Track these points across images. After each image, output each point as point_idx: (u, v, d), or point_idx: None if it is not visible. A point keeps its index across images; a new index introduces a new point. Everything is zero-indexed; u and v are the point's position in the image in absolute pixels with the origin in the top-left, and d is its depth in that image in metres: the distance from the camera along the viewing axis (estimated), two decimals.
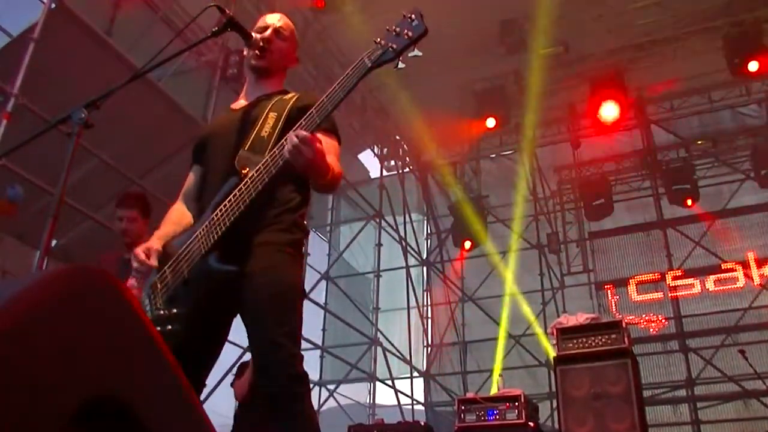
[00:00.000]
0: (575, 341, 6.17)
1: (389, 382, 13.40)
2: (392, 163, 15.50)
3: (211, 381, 9.71)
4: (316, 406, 13.14)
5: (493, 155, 15.41)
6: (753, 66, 10.50)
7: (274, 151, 2.38)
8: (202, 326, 2.43)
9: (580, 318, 6.34)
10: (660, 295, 12.79)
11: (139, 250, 2.50)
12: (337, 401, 13.70)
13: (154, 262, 2.46)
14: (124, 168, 7.44)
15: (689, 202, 12.73)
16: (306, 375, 2.33)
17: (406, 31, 2.35)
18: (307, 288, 11.04)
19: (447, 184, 15.22)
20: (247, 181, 2.36)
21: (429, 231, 16.74)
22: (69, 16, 6.97)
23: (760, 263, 12.29)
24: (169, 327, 2.33)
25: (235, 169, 2.45)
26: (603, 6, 11.24)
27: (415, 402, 13.98)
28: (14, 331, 1.06)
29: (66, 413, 1.09)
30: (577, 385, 5.96)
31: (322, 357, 14.18)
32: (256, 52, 2.85)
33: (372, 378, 13.42)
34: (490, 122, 12.15)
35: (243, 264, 2.37)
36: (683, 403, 12.57)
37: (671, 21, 11.45)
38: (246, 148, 2.53)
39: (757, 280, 12.32)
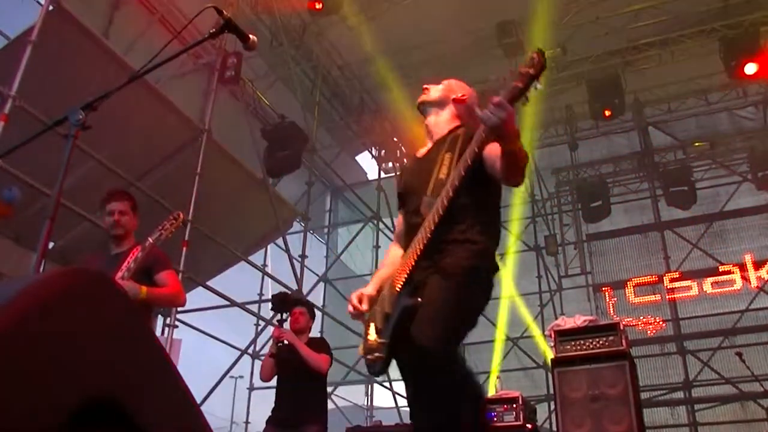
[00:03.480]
0: (573, 343, 6.16)
1: (387, 384, 13.39)
2: (390, 164, 15.49)
3: (207, 384, 9.73)
4: None
5: None
6: (750, 68, 10.51)
7: (446, 186, 2.60)
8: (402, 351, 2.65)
9: (578, 320, 6.33)
10: (657, 297, 12.80)
11: (354, 297, 2.84)
12: (335, 403, 13.67)
13: (365, 308, 2.81)
14: (122, 170, 7.43)
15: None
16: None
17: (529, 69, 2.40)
18: (304, 290, 11.03)
19: None
20: (424, 224, 2.64)
21: None
22: (67, 18, 6.96)
23: (757, 265, 12.30)
24: (376, 354, 2.65)
25: (421, 215, 2.69)
26: (600, 8, 11.25)
27: None
28: (12, 332, 1.06)
29: (65, 413, 1.09)
30: (575, 387, 5.95)
31: None
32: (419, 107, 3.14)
33: (370, 380, 13.41)
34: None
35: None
36: (681, 405, 12.58)
37: (668, 23, 11.45)
38: (429, 194, 2.72)
39: (754, 283, 12.33)
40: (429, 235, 2.61)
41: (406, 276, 2.65)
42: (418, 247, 2.63)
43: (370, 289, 2.85)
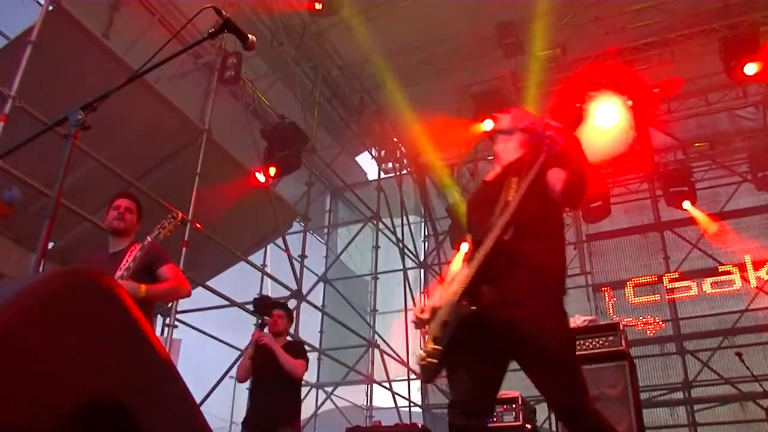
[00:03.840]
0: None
1: (386, 385, 13.38)
2: (390, 165, 15.50)
3: (207, 384, 9.73)
4: (312, 409, 13.14)
5: (491, 157, 15.39)
6: (750, 69, 10.49)
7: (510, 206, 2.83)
8: (463, 358, 2.93)
9: (578, 320, 6.33)
10: (657, 297, 12.81)
11: (417, 308, 3.09)
12: (334, 403, 13.69)
13: (426, 316, 3.02)
14: (122, 170, 7.43)
15: (686, 204, 12.73)
16: None
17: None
18: (304, 290, 11.03)
19: (444, 186, 15.21)
20: (486, 240, 2.83)
21: (426, 233, 16.75)
22: (66, 18, 6.96)
23: (756, 265, 12.30)
24: (429, 360, 2.90)
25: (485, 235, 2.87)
26: (600, 8, 11.25)
27: (412, 404, 13.96)
28: (11, 332, 1.06)
29: (65, 414, 1.09)
30: None
31: (319, 359, 14.16)
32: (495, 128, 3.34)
33: (369, 380, 13.41)
34: (488, 124, 12.12)
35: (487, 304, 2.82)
36: (680, 406, 12.59)
37: (668, 23, 11.45)
38: (496, 215, 2.92)
39: (753, 283, 12.34)
40: (489, 251, 2.81)
41: (464, 287, 2.83)
42: (479, 260, 2.82)
43: (437, 302, 3.02)
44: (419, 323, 3.07)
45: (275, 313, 5.91)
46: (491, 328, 2.82)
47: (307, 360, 5.83)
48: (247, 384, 6.48)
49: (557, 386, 2.78)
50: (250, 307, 10.74)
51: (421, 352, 2.97)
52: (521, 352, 2.85)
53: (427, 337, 2.99)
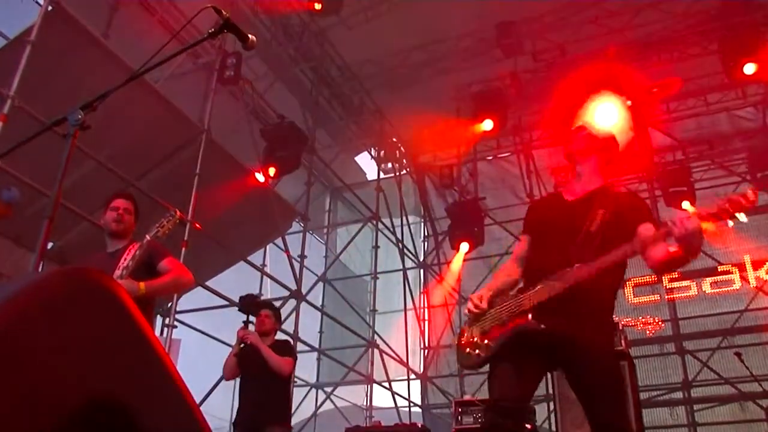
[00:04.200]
0: None
1: (386, 385, 13.39)
2: (389, 165, 15.51)
3: (206, 384, 9.72)
4: (312, 409, 13.14)
5: (490, 157, 15.41)
6: (749, 69, 10.48)
7: (610, 254, 2.91)
8: (515, 362, 3.01)
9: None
10: (657, 297, 12.80)
11: (475, 296, 3.18)
12: (334, 403, 13.69)
13: (485, 305, 3.14)
14: (121, 170, 7.43)
15: (686, 204, 12.71)
16: None
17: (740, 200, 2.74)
18: (303, 290, 11.03)
19: (444, 187, 15.22)
20: (582, 266, 2.92)
21: (426, 233, 16.75)
22: (66, 19, 6.96)
23: (756, 265, 12.30)
24: (478, 352, 3.08)
25: (568, 259, 2.97)
26: (599, 9, 11.26)
27: (412, 404, 13.97)
28: (10, 332, 1.06)
29: (65, 415, 1.09)
30: None
31: (318, 359, 14.18)
32: (580, 150, 3.35)
33: (369, 380, 13.41)
34: (487, 124, 12.13)
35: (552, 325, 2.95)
36: (680, 406, 12.58)
37: (667, 24, 11.46)
38: (578, 242, 3.03)
39: (753, 283, 12.34)
40: (573, 283, 2.90)
41: (536, 303, 2.96)
42: (560, 286, 2.92)
43: (488, 294, 3.18)
44: (477, 313, 3.17)
45: (262, 313, 5.88)
46: (554, 347, 2.98)
47: (294, 357, 5.82)
48: None
49: (613, 405, 2.93)
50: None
51: (467, 339, 3.15)
52: (584, 374, 2.97)
53: (471, 325, 3.18)
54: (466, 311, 3.23)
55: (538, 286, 3.00)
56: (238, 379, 5.88)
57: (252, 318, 5.98)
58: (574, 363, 2.98)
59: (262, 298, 12.04)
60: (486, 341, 3.07)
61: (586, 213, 3.11)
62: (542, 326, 2.94)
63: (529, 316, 2.98)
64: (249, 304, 6.04)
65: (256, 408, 5.49)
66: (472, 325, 3.19)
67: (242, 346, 5.72)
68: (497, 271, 3.43)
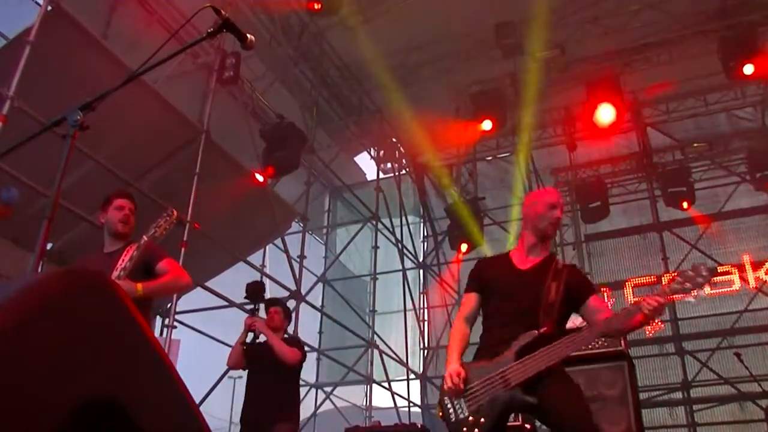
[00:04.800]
0: None
1: (386, 385, 13.39)
2: (389, 165, 15.51)
3: (206, 384, 9.73)
4: (312, 409, 13.14)
5: (490, 157, 15.41)
6: (748, 69, 10.49)
7: (586, 332, 3.31)
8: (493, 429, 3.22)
9: (576, 320, 6.32)
10: None
11: (453, 375, 3.32)
12: (333, 404, 13.70)
13: (462, 386, 3.29)
14: (120, 170, 7.42)
15: (685, 204, 12.73)
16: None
17: (698, 279, 3.18)
18: (303, 291, 11.03)
19: (443, 187, 15.23)
20: (558, 345, 3.20)
21: (425, 233, 16.75)
22: (65, 19, 6.95)
23: (755, 266, 12.30)
24: (476, 430, 3.19)
25: (534, 323, 3.26)
26: (599, 9, 11.26)
27: (411, 404, 13.97)
28: (11, 332, 1.06)
29: (64, 415, 1.09)
30: None
31: (318, 359, 14.18)
32: (553, 225, 3.60)
33: (368, 380, 13.42)
34: (487, 125, 12.13)
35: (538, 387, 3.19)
36: (679, 406, 12.60)
37: (667, 24, 11.47)
38: (540, 308, 3.31)
39: (752, 283, 12.34)
40: (561, 358, 3.19)
41: (526, 377, 3.17)
42: (547, 358, 3.18)
43: (461, 369, 3.34)
44: (455, 392, 3.31)
45: (272, 309, 5.81)
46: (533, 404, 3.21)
47: (304, 353, 5.73)
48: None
49: (587, 415, 3.16)
50: (249, 307, 10.74)
51: (462, 416, 3.26)
52: (554, 400, 3.19)
53: (463, 405, 3.30)
54: (446, 388, 3.35)
55: (515, 363, 3.22)
56: (244, 377, 5.82)
57: (259, 306, 5.90)
58: (545, 395, 3.21)
59: None
60: (481, 419, 3.22)
61: (540, 283, 3.39)
62: (534, 401, 3.17)
63: (520, 391, 3.19)
64: (255, 290, 5.94)
65: (264, 404, 5.40)
66: (455, 399, 3.32)
67: (250, 335, 5.66)
68: (453, 334, 3.60)
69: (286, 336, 5.90)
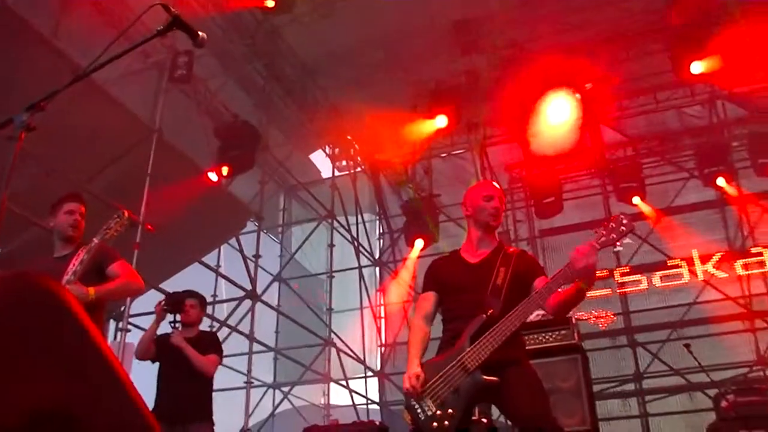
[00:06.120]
0: (526, 338, 6.24)
1: (344, 383, 13.39)
2: (344, 163, 15.49)
3: None
4: (269, 409, 13.08)
5: (444, 154, 15.48)
6: (696, 67, 10.71)
7: (521, 306, 3.37)
8: (463, 418, 3.32)
9: (531, 315, 6.41)
10: (608, 291, 13.00)
11: (412, 377, 3.39)
12: (291, 403, 13.65)
13: (420, 387, 3.35)
14: (71, 172, 7.29)
15: (636, 199, 12.94)
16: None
17: (621, 228, 3.33)
18: (259, 290, 10.97)
19: (399, 184, 15.26)
20: (504, 322, 3.32)
21: (381, 231, 16.77)
22: (12, 17, 6.80)
23: (704, 259, 12.58)
24: (446, 423, 3.24)
25: (482, 309, 3.39)
26: (556, 6, 11.37)
27: (369, 402, 14.00)
28: None
29: (11, 422, 1.08)
30: None
31: (275, 359, 14.12)
32: (493, 215, 3.70)
33: (326, 379, 13.40)
34: (441, 121, 12.17)
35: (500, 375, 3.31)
36: (632, 397, 12.83)
37: (622, 21, 11.63)
38: (488, 293, 3.44)
39: (701, 276, 12.62)
40: (509, 334, 3.30)
41: (480, 360, 3.27)
42: (497, 338, 3.30)
43: (420, 371, 3.41)
44: (416, 394, 3.36)
45: (187, 303, 5.60)
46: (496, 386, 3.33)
47: (220, 353, 5.59)
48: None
49: (544, 407, 3.28)
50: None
51: (430, 412, 3.30)
52: (513, 390, 3.31)
53: (428, 402, 3.34)
54: (405, 391, 3.42)
55: (470, 348, 3.32)
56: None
57: (179, 317, 5.69)
58: (511, 386, 3.32)
59: (217, 298, 11.98)
60: (449, 410, 3.27)
61: (490, 273, 3.53)
62: (496, 379, 3.29)
63: (479, 373, 3.28)
64: (175, 302, 5.75)
65: (180, 402, 5.26)
66: (420, 400, 3.36)
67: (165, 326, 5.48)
68: (413, 335, 3.69)
69: (202, 330, 5.77)
